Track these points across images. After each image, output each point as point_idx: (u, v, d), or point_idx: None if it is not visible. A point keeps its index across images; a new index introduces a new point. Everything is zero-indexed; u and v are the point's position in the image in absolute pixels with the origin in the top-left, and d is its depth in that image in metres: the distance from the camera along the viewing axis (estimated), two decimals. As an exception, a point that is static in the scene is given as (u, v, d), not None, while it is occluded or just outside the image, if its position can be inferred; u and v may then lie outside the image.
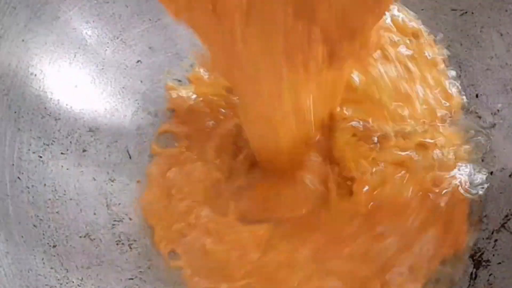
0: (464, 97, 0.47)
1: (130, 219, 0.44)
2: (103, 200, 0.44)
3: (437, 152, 0.43)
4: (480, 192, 0.42)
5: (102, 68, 0.47)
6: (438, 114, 0.45)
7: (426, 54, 0.48)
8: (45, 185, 0.41)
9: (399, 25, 0.49)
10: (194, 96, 0.49)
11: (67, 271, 0.39)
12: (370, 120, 0.44)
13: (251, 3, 0.28)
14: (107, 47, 0.48)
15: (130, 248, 0.43)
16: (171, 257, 0.42)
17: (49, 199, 0.41)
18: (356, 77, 0.45)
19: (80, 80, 0.46)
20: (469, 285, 0.39)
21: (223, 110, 0.48)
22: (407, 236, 0.40)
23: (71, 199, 0.42)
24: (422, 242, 0.40)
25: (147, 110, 0.49)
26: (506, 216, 0.40)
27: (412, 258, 0.39)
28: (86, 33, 0.46)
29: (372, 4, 0.29)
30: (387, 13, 0.46)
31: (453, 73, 0.48)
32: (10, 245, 0.38)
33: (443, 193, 0.42)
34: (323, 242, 0.41)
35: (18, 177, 0.40)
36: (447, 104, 0.46)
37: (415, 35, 0.49)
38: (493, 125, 0.45)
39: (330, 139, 0.44)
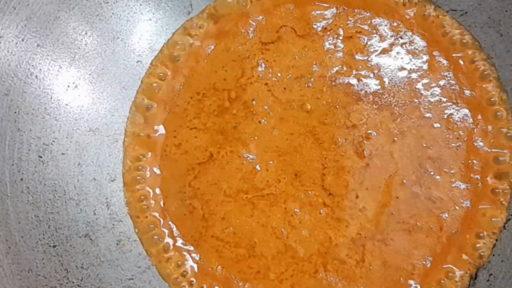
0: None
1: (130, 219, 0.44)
2: (103, 200, 0.44)
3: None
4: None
5: (102, 68, 0.47)
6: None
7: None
8: (45, 185, 0.41)
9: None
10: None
11: (67, 271, 0.39)
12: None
13: None
14: (107, 47, 0.48)
15: (130, 248, 0.43)
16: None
17: (49, 199, 0.41)
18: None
19: (80, 80, 0.46)
20: (469, 285, 0.39)
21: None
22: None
23: (71, 199, 0.42)
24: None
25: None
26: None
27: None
28: (86, 33, 0.46)
29: None
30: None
31: (453, 73, 0.48)
32: (10, 245, 0.38)
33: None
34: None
35: (18, 177, 0.40)
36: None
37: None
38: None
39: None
